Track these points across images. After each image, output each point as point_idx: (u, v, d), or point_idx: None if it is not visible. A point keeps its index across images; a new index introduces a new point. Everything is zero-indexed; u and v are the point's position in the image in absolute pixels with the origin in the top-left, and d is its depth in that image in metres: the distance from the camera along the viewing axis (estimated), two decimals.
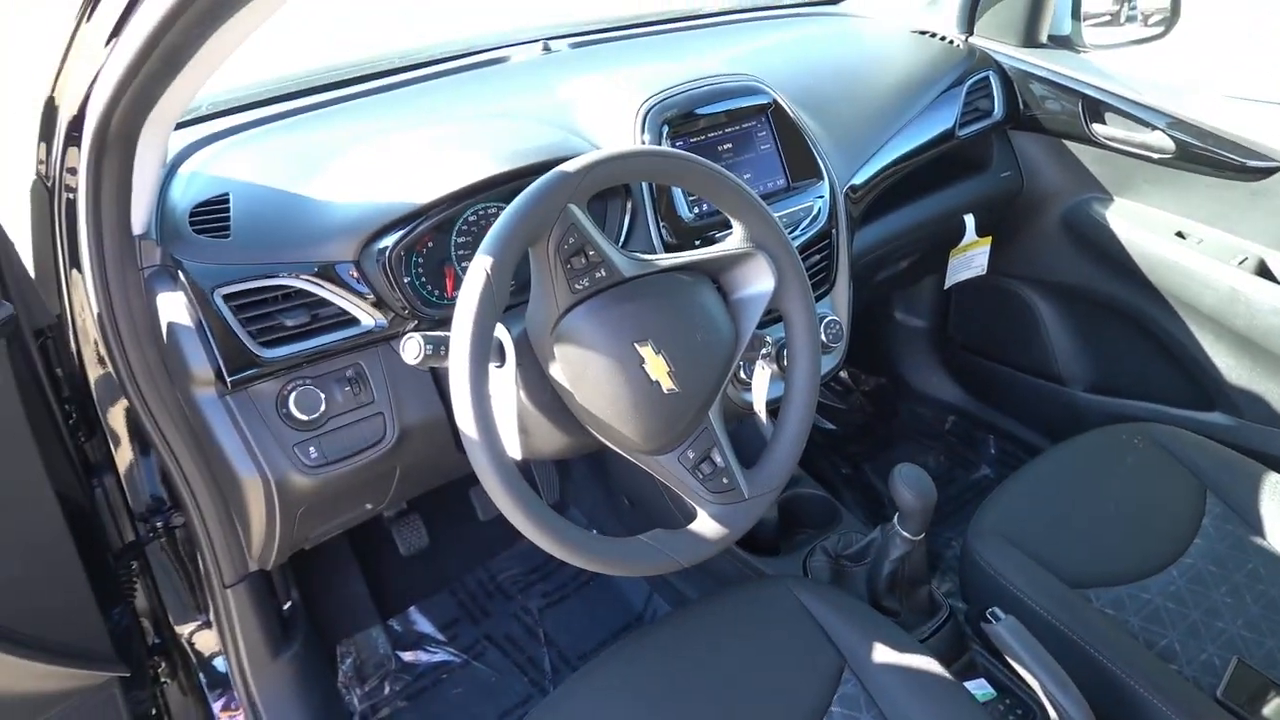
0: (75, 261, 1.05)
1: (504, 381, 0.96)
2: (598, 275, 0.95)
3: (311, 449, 1.11)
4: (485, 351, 0.88)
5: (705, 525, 1.00)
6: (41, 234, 1.15)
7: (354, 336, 1.12)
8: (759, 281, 1.04)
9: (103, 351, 1.09)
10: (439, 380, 1.19)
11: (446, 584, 1.86)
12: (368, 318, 1.12)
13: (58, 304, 1.19)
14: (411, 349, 0.92)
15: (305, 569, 1.67)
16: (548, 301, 0.94)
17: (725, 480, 1.01)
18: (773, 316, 1.09)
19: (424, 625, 1.77)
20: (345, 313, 1.11)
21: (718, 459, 1.01)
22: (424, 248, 1.16)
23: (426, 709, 1.64)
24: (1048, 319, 1.99)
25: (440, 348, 0.92)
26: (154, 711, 1.36)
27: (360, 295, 1.11)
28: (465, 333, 0.87)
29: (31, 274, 1.18)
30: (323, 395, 1.10)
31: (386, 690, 1.65)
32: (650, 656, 1.13)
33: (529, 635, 1.77)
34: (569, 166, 0.92)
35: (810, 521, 1.64)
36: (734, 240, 1.04)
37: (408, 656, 1.71)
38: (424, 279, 1.16)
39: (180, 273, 1.05)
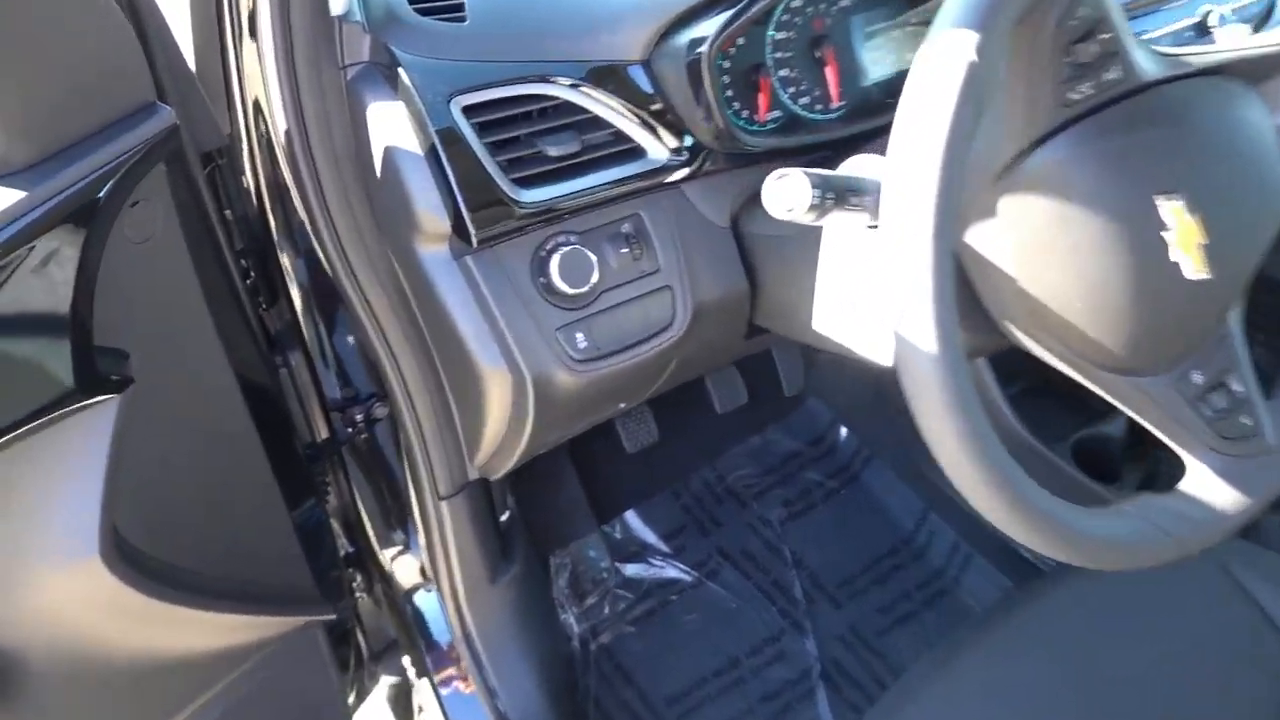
0: (254, 49, 0.73)
1: (867, 248, 0.64)
2: (1107, 77, 0.57)
3: (579, 336, 0.78)
4: (958, 191, 0.52)
5: (1213, 488, 0.63)
6: (205, 20, 0.84)
7: (639, 175, 0.78)
8: None
9: (291, 186, 0.79)
10: (743, 243, 0.84)
11: (667, 484, 1.54)
12: (659, 148, 0.78)
13: (228, 122, 0.89)
14: (793, 191, 0.56)
15: (517, 472, 1.38)
16: (1011, 120, 0.57)
17: (1245, 421, 0.64)
18: None
19: (645, 534, 1.47)
20: (627, 139, 0.78)
21: (1236, 386, 0.64)
22: (730, 47, 0.79)
23: (658, 637, 1.35)
24: None
25: (839, 194, 0.57)
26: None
27: (652, 113, 0.76)
28: (932, 158, 0.50)
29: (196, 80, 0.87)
30: (594, 259, 0.77)
31: (607, 610, 1.37)
32: (1027, 648, 0.81)
33: (771, 553, 1.45)
34: None
35: None
36: None
37: (629, 570, 1.42)
38: (730, 95, 0.80)
39: (400, 72, 0.72)
